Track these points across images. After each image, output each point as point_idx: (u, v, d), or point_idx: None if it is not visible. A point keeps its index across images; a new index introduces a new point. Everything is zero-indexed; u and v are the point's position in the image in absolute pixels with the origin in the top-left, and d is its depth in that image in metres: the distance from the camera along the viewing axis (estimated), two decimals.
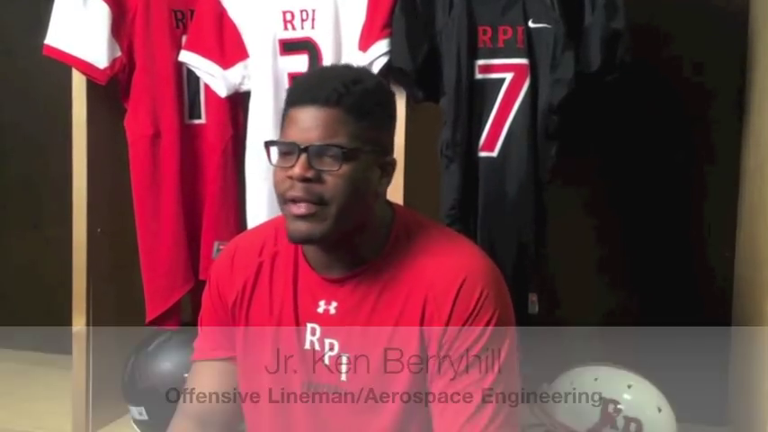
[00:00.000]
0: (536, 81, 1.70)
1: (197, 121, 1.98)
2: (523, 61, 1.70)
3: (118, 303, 2.07)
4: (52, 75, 2.04)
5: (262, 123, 1.85)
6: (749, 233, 1.94)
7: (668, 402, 1.70)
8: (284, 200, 1.21)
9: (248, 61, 1.87)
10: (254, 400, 1.33)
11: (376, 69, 1.73)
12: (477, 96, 1.73)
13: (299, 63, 1.84)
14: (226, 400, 1.36)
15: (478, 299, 1.22)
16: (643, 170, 2.15)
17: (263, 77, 1.85)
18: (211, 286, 1.39)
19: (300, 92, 1.22)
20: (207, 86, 1.93)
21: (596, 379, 1.73)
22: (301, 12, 1.83)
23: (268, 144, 1.25)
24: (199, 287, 1.88)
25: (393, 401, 1.25)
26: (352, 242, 1.26)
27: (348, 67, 1.37)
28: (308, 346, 1.29)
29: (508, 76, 1.71)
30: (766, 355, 1.66)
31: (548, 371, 1.81)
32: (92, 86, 1.92)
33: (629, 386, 1.70)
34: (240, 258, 1.37)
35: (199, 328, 1.42)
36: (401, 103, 1.71)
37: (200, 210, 1.97)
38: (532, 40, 1.70)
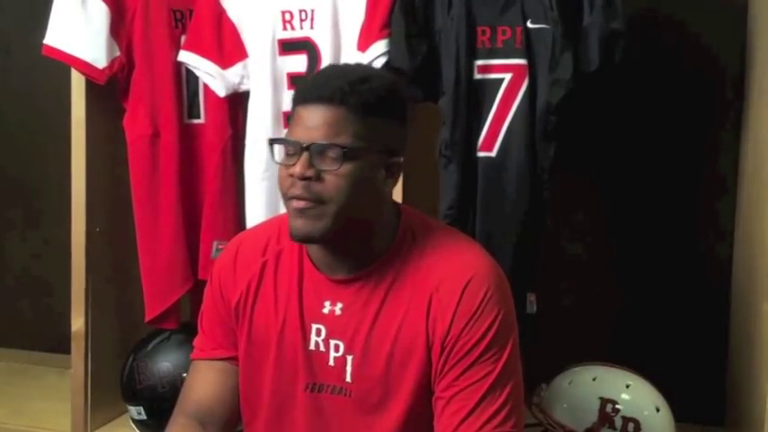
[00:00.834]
0: (535, 81, 1.71)
1: (196, 121, 1.98)
2: (522, 61, 1.71)
3: (117, 303, 2.07)
4: (51, 74, 2.04)
5: (261, 123, 1.85)
6: (747, 232, 1.94)
7: (666, 402, 1.70)
8: (286, 197, 1.22)
9: (247, 61, 1.87)
10: (256, 399, 1.34)
11: None
12: (476, 96, 1.73)
13: (298, 63, 1.84)
14: (225, 399, 1.36)
15: (483, 299, 1.22)
16: (641, 170, 2.15)
17: (261, 77, 1.85)
18: (213, 285, 1.39)
19: (307, 90, 1.23)
20: (206, 86, 1.93)
21: (594, 378, 1.73)
22: (300, 12, 1.83)
23: (272, 142, 1.26)
24: (198, 287, 1.88)
25: (398, 402, 1.25)
26: (357, 243, 1.26)
27: (357, 66, 1.38)
28: (312, 346, 1.29)
29: (507, 77, 1.72)
30: (764, 355, 1.66)
31: (546, 370, 1.82)
32: (91, 86, 1.92)
33: (628, 386, 1.70)
34: (243, 257, 1.36)
35: (199, 326, 1.42)
36: None
37: (199, 209, 1.97)
38: (531, 40, 1.71)
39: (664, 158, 2.14)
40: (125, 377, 1.98)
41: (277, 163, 1.24)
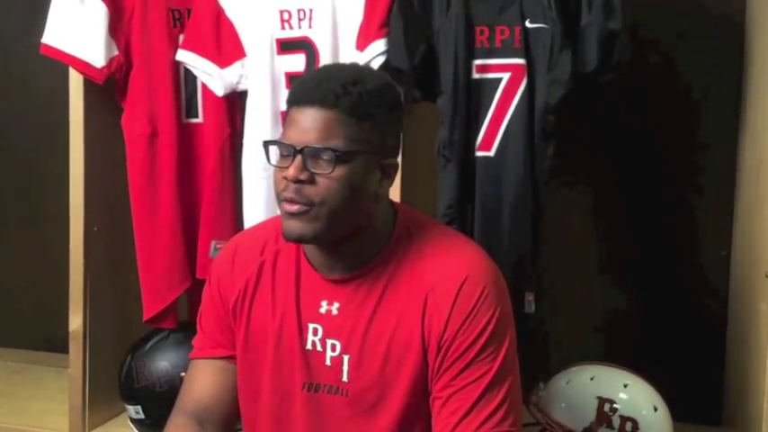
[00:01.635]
0: (533, 81, 1.71)
1: (194, 121, 1.98)
2: (520, 61, 1.70)
3: (115, 302, 2.06)
4: (49, 73, 2.04)
5: (259, 123, 1.85)
6: (746, 232, 1.95)
7: (664, 401, 1.70)
8: (279, 199, 1.22)
9: (245, 60, 1.87)
10: (254, 399, 1.34)
11: None
12: (475, 96, 1.73)
13: (297, 62, 1.84)
14: (224, 398, 1.36)
15: (478, 298, 1.22)
16: (640, 169, 2.15)
17: (260, 77, 1.85)
18: (212, 285, 1.39)
19: (300, 92, 1.23)
20: (204, 85, 1.92)
21: (592, 378, 1.73)
22: (299, 11, 1.83)
23: (266, 144, 1.26)
24: (196, 286, 1.88)
25: (394, 402, 1.25)
26: (353, 243, 1.26)
27: (351, 67, 1.37)
28: (309, 346, 1.29)
29: (505, 76, 1.72)
30: (762, 355, 1.67)
31: (544, 370, 1.82)
32: (89, 85, 1.92)
33: (626, 385, 1.70)
34: (241, 257, 1.37)
35: (198, 326, 1.42)
36: None
37: (197, 209, 1.97)
38: (529, 40, 1.70)
39: (661, 158, 2.14)
40: (123, 376, 1.98)
41: (272, 165, 1.24)
